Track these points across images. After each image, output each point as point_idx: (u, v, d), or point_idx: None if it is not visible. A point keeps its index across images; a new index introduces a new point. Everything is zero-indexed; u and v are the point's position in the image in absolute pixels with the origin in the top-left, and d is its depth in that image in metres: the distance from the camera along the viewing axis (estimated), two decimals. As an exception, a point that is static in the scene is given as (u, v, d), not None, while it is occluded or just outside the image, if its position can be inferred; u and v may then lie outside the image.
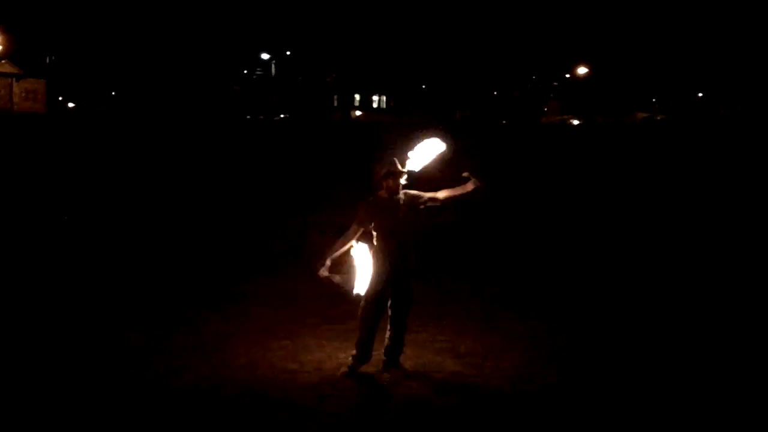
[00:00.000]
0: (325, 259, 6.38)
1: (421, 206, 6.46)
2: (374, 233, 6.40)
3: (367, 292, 6.36)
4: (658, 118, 55.47)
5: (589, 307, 9.01)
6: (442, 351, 7.25)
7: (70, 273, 10.33)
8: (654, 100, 63.99)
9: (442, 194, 6.50)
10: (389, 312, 6.51)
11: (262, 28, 54.89)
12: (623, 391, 6.19)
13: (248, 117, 53.89)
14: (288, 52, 61.83)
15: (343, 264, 6.50)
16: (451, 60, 52.80)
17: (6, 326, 7.89)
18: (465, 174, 6.50)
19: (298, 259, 10.62)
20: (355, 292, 6.39)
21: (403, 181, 6.40)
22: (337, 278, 6.41)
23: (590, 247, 12.85)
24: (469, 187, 6.48)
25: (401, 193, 6.41)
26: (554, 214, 16.56)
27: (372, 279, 6.35)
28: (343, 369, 6.49)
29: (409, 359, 6.96)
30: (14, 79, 52.88)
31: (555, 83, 64.93)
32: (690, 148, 27.46)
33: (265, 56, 62.25)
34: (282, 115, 57.50)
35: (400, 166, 6.37)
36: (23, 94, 53.11)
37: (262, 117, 54.24)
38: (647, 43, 52.69)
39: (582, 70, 56.35)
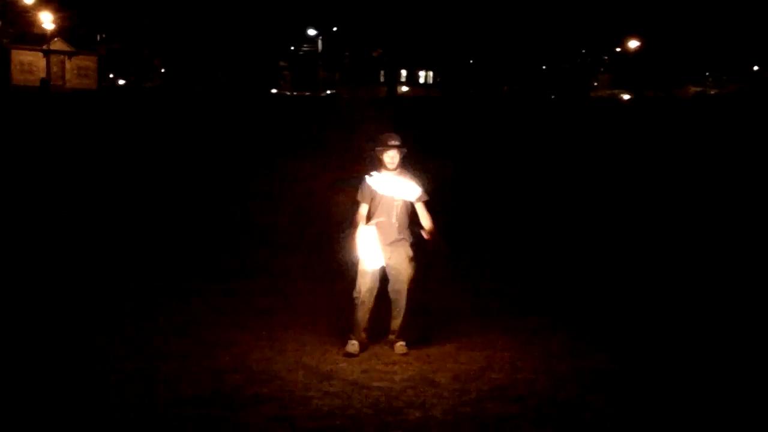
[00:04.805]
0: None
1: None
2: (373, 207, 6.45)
3: (361, 265, 6.41)
4: (712, 92, 54.23)
5: (639, 287, 8.89)
6: (491, 328, 7.22)
7: (106, 246, 10.50)
8: (707, 74, 62.53)
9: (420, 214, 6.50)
10: (390, 287, 6.51)
11: (308, 3, 54.81)
12: (663, 370, 6.11)
13: (294, 93, 54.07)
14: (335, 28, 61.73)
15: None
16: (499, 34, 52.13)
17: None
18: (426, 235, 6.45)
19: (329, 234, 10.43)
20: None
21: (393, 159, 6.38)
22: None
23: (640, 224, 12.65)
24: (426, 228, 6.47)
25: (400, 173, 6.42)
26: (603, 191, 16.33)
27: (366, 253, 6.37)
28: (350, 349, 6.41)
29: (457, 335, 6.97)
30: (67, 57, 53.77)
31: (605, 57, 63.79)
32: (744, 123, 26.77)
33: (311, 32, 62.25)
34: (329, 91, 57.54)
35: (388, 142, 6.39)
36: (75, 71, 54.00)
37: (309, 93, 54.36)
38: (700, 16, 51.34)
39: (633, 44, 55.19)
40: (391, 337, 6.57)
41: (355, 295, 6.52)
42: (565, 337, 6.93)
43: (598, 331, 7.12)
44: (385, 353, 6.44)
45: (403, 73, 65.88)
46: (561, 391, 5.63)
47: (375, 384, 5.73)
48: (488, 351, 6.52)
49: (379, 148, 6.45)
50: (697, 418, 5.24)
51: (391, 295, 6.57)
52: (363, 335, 6.53)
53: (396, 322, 6.56)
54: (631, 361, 6.28)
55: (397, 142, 6.42)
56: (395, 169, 6.44)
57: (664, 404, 5.44)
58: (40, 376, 5.82)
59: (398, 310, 6.54)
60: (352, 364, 6.14)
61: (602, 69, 65.17)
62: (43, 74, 48.79)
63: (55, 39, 51.97)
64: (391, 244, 6.43)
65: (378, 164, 6.47)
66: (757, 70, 59.01)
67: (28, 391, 5.53)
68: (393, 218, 6.43)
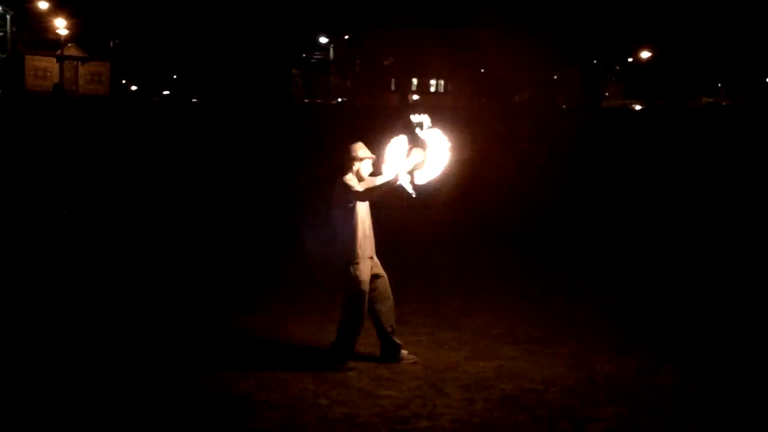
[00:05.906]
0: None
1: None
2: (354, 214, 6.23)
3: (357, 280, 6.21)
4: (724, 103, 54.05)
5: (646, 294, 8.86)
6: (500, 337, 7.20)
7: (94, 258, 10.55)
8: (719, 84, 62.32)
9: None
10: (378, 298, 6.36)
11: (320, 11, 55.04)
12: (681, 377, 6.08)
13: (306, 101, 54.20)
14: (346, 36, 61.92)
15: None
16: (510, 43, 52.14)
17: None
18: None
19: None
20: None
21: (367, 167, 6.33)
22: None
23: (649, 236, 12.62)
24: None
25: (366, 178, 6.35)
26: (614, 200, 16.31)
27: (359, 267, 6.21)
28: (350, 365, 6.25)
29: (466, 344, 6.95)
30: (80, 63, 54.13)
31: (617, 67, 63.66)
32: (757, 134, 26.67)
33: (323, 40, 62.43)
34: (339, 99, 57.65)
35: (364, 152, 6.31)
36: (88, 77, 54.35)
37: (320, 101, 54.49)
38: (713, 27, 51.20)
39: (645, 54, 55.10)
40: (403, 351, 6.47)
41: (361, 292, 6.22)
42: (574, 347, 6.90)
43: (609, 341, 7.09)
44: (394, 362, 6.42)
45: (414, 81, 65.91)
46: (571, 403, 5.61)
47: (383, 392, 5.73)
48: (497, 361, 6.50)
49: (358, 156, 6.29)
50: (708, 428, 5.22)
51: (385, 308, 6.37)
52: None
53: (391, 332, 6.42)
54: (642, 373, 6.26)
55: (359, 155, 6.30)
56: (362, 179, 6.33)
57: (674, 416, 5.42)
58: (48, 379, 5.85)
59: (393, 318, 6.45)
60: (361, 373, 6.14)
61: (614, 79, 65.03)
62: (56, 80, 49.14)
63: (69, 45, 52.35)
64: (372, 254, 6.34)
65: (351, 172, 6.28)
66: (769, 82, 58.80)
67: (36, 394, 5.55)
68: (370, 223, 6.35)
